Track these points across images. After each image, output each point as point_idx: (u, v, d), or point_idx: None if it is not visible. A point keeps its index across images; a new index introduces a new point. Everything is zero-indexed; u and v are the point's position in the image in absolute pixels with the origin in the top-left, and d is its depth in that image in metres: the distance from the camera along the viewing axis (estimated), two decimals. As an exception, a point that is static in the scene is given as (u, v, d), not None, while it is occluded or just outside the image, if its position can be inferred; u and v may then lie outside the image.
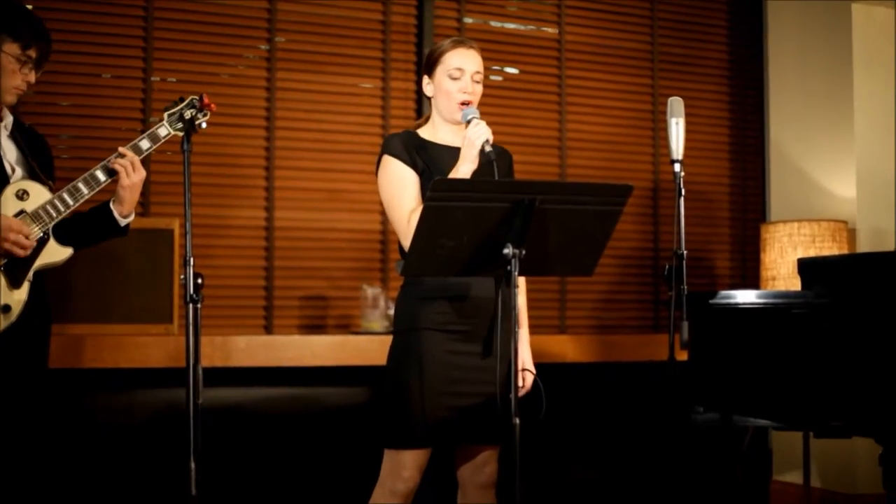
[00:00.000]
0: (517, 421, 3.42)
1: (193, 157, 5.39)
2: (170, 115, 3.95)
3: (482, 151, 3.80)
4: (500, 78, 6.51)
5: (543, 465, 6.15)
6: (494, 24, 6.53)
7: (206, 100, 3.94)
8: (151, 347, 5.31)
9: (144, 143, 3.95)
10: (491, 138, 3.81)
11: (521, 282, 4.15)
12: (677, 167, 3.96)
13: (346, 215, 6.06)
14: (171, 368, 5.21)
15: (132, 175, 3.89)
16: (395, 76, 6.18)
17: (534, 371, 4.13)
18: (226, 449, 5.48)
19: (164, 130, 3.95)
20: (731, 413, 4.49)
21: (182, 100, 3.97)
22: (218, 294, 5.74)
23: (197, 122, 3.91)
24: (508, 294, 3.96)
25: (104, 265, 5.26)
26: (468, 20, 6.43)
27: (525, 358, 4.15)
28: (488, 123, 3.86)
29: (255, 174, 5.91)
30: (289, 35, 6.03)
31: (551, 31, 6.66)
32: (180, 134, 3.89)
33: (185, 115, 3.92)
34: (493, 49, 6.43)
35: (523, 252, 3.43)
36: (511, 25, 6.57)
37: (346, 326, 5.98)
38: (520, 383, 4.05)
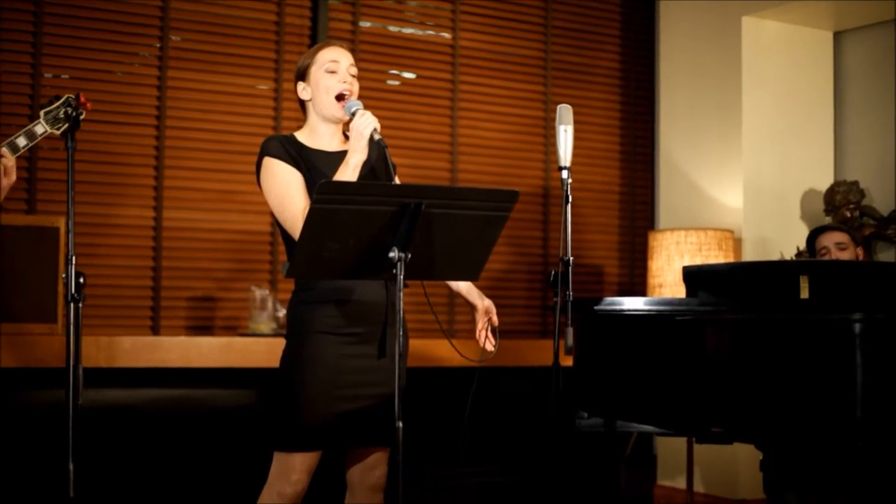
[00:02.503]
0: (400, 424, 3.43)
1: (82, 154, 5.38)
2: (46, 114, 3.90)
3: (371, 140, 3.80)
4: (397, 82, 6.51)
5: (430, 467, 6.17)
6: (392, 28, 6.53)
7: (82, 98, 3.89)
8: (35, 347, 5.24)
9: (21, 141, 3.88)
10: (378, 127, 3.81)
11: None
12: (565, 174, 3.99)
13: (236, 216, 6.02)
14: (54, 368, 5.14)
15: (2, 180, 3.82)
16: (288, 77, 6.14)
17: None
18: (109, 451, 5.42)
19: (40, 128, 3.90)
20: (614, 418, 4.53)
21: (58, 98, 3.92)
22: (104, 293, 5.68)
23: (69, 119, 3.85)
24: (397, 297, 3.99)
25: (-13, 263, 5.19)
26: (365, 24, 6.42)
27: (488, 302, 4.14)
28: (380, 126, 3.87)
29: (144, 173, 5.85)
30: (182, 34, 5.97)
31: (447, 36, 6.68)
32: (57, 132, 3.85)
33: (62, 113, 3.87)
34: (387, 53, 6.43)
35: (409, 256, 3.43)
36: (407, 30, 6.57)
37: (234, 328, 5.94)
38: (495, 322, 4.10)
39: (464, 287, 4.19)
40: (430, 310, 4.03)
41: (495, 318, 4.13)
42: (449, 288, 4.27)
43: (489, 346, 4.12)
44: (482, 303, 4.13)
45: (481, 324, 4.13)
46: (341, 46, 4.07)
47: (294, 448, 3.90)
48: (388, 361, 3.92)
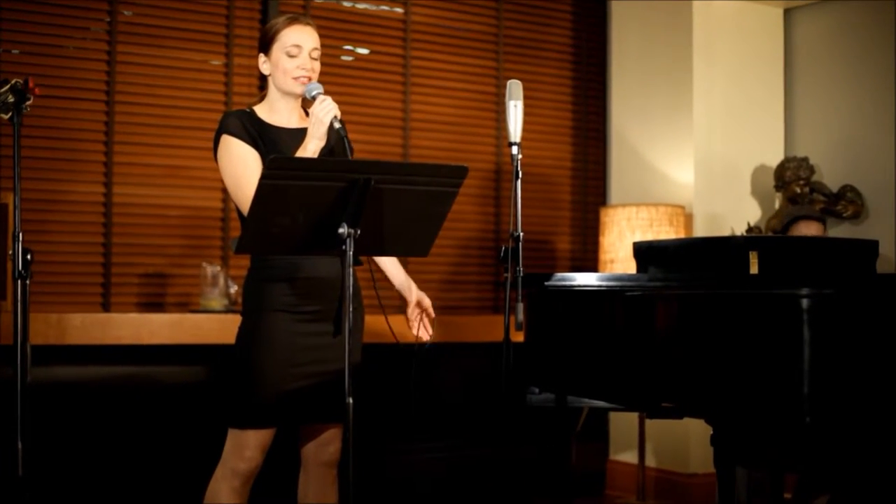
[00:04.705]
0: (350, 400, 3.43)
1: (32, 130, 5.34)
2: None
3: (331, 128, 3.79)
4: (351, 58, 6.48)
5: (384, 443, 6.18)
6: (346, 3, 6.49)
7: (31, 83, 3.84)
8: (-16, 324, 5.21)
9: None
10: (339, 114, 3.80)
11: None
12: (515, 150, 4.00)
13: (187, 192, 5.98)
14: (3, 346, 5.10)
15: None
16: (239, 52, 6.11)
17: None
18: (59, 429, 5.40)
19: None
20: (565, 394, 4.54)
21: (6, 82, 3.87)
22: (55, 270, 5.63)
23: (17, 104, 3.80)
24: (346, 273, 3.99)
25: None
26: (316, -1, 6.40)
27: (420, 294, 4.21)
28: (340, 113, 3.85)
29: (94, 149, 5.80)
30: (132, 8, 5.91)
31: (398, 10, 6.65)
32: (5, 117, 3.80)
33: (9, 98, 3.82)
34: (339, 28, 6.40)
35: (358, 232, 3.43)
36: (361, 5, 6.54)
37: (185, 304, 5.92)
38: (432, 314, 4.20)
39: (398, 279, 4.23)
40: (374, 286, 4.02)
41: (431, 311, 4.17)
42: (401, 263, 4.29)
43: (424, 336, 4.16)
44: (413, 296, 4.17)
45: (413, 315, 4.16)
46: (307, 24, 4.02)
47: (248, 425, 3.92)
48: (343, 338, 3.92)
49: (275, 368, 3.89)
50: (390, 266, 4.26)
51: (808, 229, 5.72)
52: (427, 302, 4.19)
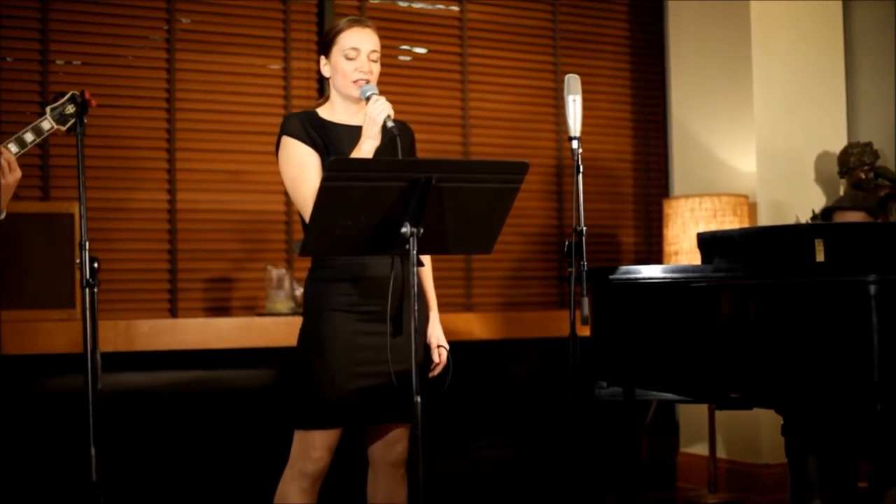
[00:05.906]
0: (419, 399, 3.44)
1: (95, 139, 5.40)
2: (52, 110, 3.88)
3: (384, 128, 3.80)
4: (408, 58, 6.50)
5: (452, 441, 6.18)
6: (401, 3, 6.51)
7: (87, 94, 3.88)
8: (54, 333, 5.26)
9: (28, 136, 3.87)
10: (392, 114, 3.81)
11: (427, 262, 4.17)
12: (575, 144, 3.99)
13: (250, 196, 6.02)
14: (74, 354, 5.15)
15: (7, 176, 3.79)
16: (297, 56, 6.14)
17: (447, 347, 4.17)
18: (131, 434, 5.45)
19: (47, 124, 3.88)
20: (633, 387, 4.53)
21: (63, 94, 3.91)
22: (122, 278, 5.69)
23: (78, 115, 3.84)
24: (410, 272, 3.99)
25: (3, 250, 5.19)
26: (372, 0, 6.41)
27: (438, 335, 4.19)
28: (390, 102, 3.86)
29: (156, 156, 5.86)
30: (190, 16, 5.96)
31: (454, 8, 6.66)
32: (63, 128, 3.85)
33: (67, 110, 3.87)
34: (395, 28, 6.41)
35: (421, 231, 3.43)
36: (417, 5, 6.55)
37: (252, 308, 5.95)
38: (436, 359, 4.15)
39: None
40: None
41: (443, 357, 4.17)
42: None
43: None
44: (435, 343, 4.18)
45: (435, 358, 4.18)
46: (366, 26, 4.03)
47: (313, 426, 3.93)
48: (405, 338, 3.92)
49: (337, 368, 3.89)
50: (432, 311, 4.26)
51: (845, 219, 5.66)
52: (443, 351, 4.19)
